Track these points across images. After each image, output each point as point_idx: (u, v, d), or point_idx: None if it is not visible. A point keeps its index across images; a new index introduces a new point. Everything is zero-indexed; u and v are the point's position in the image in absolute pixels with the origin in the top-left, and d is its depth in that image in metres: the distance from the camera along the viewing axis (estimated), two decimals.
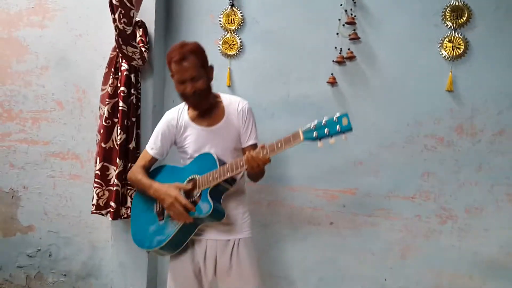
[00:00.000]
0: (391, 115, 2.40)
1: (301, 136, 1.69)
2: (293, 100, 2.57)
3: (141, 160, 2.16)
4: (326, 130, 1.63)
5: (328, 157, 2.50)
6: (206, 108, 2.05)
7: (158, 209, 2.05)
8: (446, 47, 2.26)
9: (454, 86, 2.27)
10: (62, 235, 3.11)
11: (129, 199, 2.62)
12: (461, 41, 2.23)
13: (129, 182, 2.59)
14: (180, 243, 2.01)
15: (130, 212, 2.62)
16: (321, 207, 2.56)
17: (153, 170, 2.16)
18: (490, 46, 2.21)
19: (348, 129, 1.60)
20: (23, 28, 3.11)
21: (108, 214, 2.62)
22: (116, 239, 2.83)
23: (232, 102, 2.10)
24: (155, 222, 2.05)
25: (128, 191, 2.62)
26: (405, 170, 2.39)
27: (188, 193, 1.97)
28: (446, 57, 2.27)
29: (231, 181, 1.96)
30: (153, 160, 2.15)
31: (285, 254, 2.65)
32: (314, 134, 1.66)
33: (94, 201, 2.62)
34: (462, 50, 2.23)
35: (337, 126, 1.61)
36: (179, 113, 2.13)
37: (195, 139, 2.06)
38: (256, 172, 1.86)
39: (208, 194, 1.89)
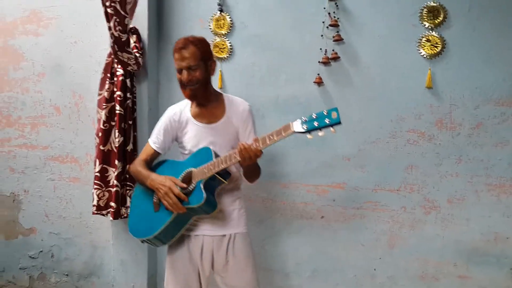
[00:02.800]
0: (375, 112, 2.50)
1: (292, 128, 1.73)
2: (283, 101, 2.66)
3: (143, 154, 2.20)
4: (315, 123, 1.68)
5: (317, 154, 2.61)
6: (203, 102, 2.08)
7: (155, 200, 2.06)
8: (424, 46, 2.36)
9: (433, 83, 2.38)
10: (64, 236, 3.20)
11: (128, 199, 2.71)
12: (438, 40, 2.34)
13: (128, 178, 2.69)
14: (173, 234, 2.05)
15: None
16: (312, 202, 2.66)
17: (155, 164, 2.20)
18: (465, 44, 2.32)
19: (336, 122, 1.65)
20: (18, 36, 3.18)
21: (109, 214, 2.70)
22: (116, 238, 2.92)
23: (233, 102, 2.12)
24: (151, 212, 2.07)
25: (128, 191, 2.70)
26: (390, 164, 2.50)
27: (185, 187, 1.99)
28: (425, 56, 2.37)
29: (226, 175, 1.98)
30: (155, 154, 2.18)
31: (280, 248, 2.75)
32: (304, 126, 1.70)
33: (95, 202, 2.70)
34: (439, 48, 2.34)
35: (326, 119, 1.66)
36: (182, 108, 2.17)
37: (194, 135, 2.10)
38: (249, 165, 1.88)
39: (201, 186, 1.91)
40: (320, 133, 1.69)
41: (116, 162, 2.64)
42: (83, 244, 3.16)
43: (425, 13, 2.35)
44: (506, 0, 2.26)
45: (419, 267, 2.50)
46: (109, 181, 2.71)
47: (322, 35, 2.53)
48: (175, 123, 2.15)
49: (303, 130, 1.71)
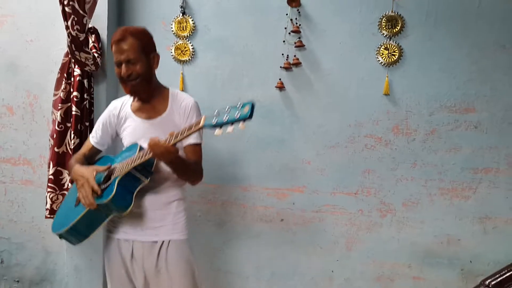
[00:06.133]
0: (334, 117, 2.55)
1: (201, 122, 1.58)
2: None
3: (83, 148, 2.12)
4: (225, 117, 1.50)
5: (278, 157, 2.63)
6: (144, 97, 1.97)
7: (78, 194, 1.90)
8: (382, 54, 2.43)
9: (390, 90, 2.44)
10: (14, 241, 3.08)
11: None
12: (396, 48, 2.41)
13: None
14: (86, 232, 1.91)
15: None
16: (272, 205, 2.67)
17: (96, 160, 2.11)
18: (422, 52, 2.41)
19: (246, 116, 1.46)
20: None
21: None
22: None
23: (177, 98, 2.00)
24: (71, 207, 1.96)
25: None
26: (348, 168, 2.55)
27: (106, 181, 1.86)
28: (383, 63, 2.44)
29: (146, 172, 1.86)
30: (94, 149, 2.09)
31: (239, 251, 2.75)
32: (213, 121, 1.53)
33: (48, 206, 2.61)
34: (396, 56, 2.41)
35: (237, 113, 1.48)
36: (123, 103, 2.07)
37: (132, 131, 1.99)
38: (171, 162, 1.77)
39: (116, 182, 1.77)
40: (229, 129, 1.50)
41: None
42: (35, 249, 3.05)
43: (384, 22, 2.42)
44: (462, 11, 2.35)
45: (375, 269, 2.56)
46: (63, 184, 2.63)
47: (284, 41, 2.56)
48: (114, 118, 2.06)
49: (211, 125, 1.53)
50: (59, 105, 2.59)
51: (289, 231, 2.67)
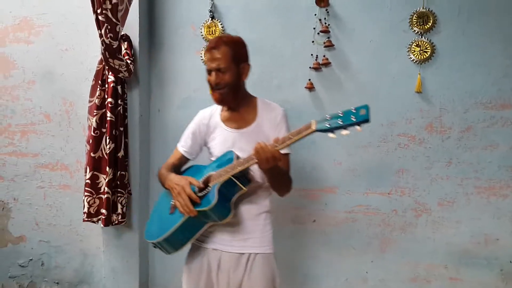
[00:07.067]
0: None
1: (313, 126, 1.55)
2: None
3: (172, 157, 2.09)
4: (339, 121, 1.49)
5: (309, 158, 2.62)
6: (232, 106, 1.96)
7: (172, 202, 1.91)
8: (414, 51, 2.40)
9: (422, 87, 2.40)
10: (54, 244, 3.17)
11: (119, 206, 2.70)
12: (428, 45, 2.37)
13: (119, 185, 2.69)
14: (184, 240, 1.89)
15: (120, 219, 2.72)
16: (304, 206, 2.66)
17: (184, 169, 2.10)
18: (454, 49, 2.36)
19: (364, 119, 1.45)
20: (9, 44, 3.18)
21: (100, 221, 2.69)
22: (107, 246, 2.91)
23: (266, 107, 1.97)
24: (165, 214, 1.94)
25: (119, 198, 2.70)
26: (381, 168, 2.52)
27: (202, 189, 1.85)
28: (415, 61, 2.41)
29: (245, 181, 1.82)
30: (183, 158, 2.07)
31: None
32: (327, 124, 1.52)
33: (85, 209, 2.68)
34: (429, 53, 2.37)
35: (352, 116, 1.46)
36: (211, 112, 2.04)
37: (222, 140, 1.96)
38: (270, 170, 1.71)
39: (216, 189, 1.75)
40: (344, 132, 1.51)
41: (107, 168, 2.64)
42: (73, 252, 3.14)
43: (415, 19, 2.39)
44: (494, 5, 2.30)
45: (410, 270, 2.52)
46: (100, 188, 2.70)
47: (313, 41, 2.55)
48: (204, 127, 2.04)
49: (325, 128, 1.52)
50: (94, 111, 2.66)
51: (321, 233, 2.65)
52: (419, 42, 2.39)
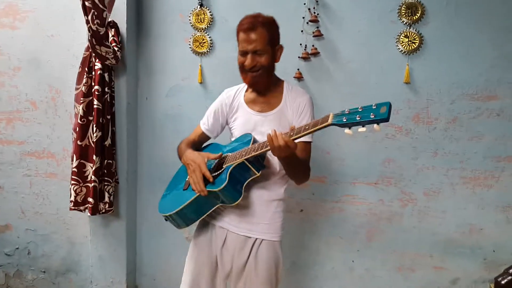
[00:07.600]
0: (354, 106, 2.52)
1: (330, 120, 1.48)
2: None
3: (193, 134, 2.09)
4: (358, 116, 1.41)
5: None
6: (262, 89, 1.92)
7: (188, 179, 1.89)
8: (402, 42, 2.40)
9: (410, 78, 2.41)
10: (40, 233, 3.15)
11: (106, 195, 2.69)
12: (416, 36, 2.38)
13: (106, 173, 2.69)
14: (193, 217, 1.89)
15: (107, 207, 2.71)
16: (292, 196, 2.67)
17: (203, 147, 2.11)
18: (442, 40, 2.37)
19: (383, 117, 1.35)
20: None
21: (87, 210, 2.68)
22: (94, 234, 2.90)
23: (292, 92, 1.92)
24: (179, 190, 1.95)
25: (106, 186, 2.69)
26: (368, 158, 2.54)
27: (217, 169, 1.84)
28: (403, 52, 2.41)
29: (259, 165, 1.80)
30: (204, 135, 2.06)
31: None
32: (344, 118, 1.44)
33: (72, 198, 2.66)
34: (417, 44, 2.38)
35: (372, 114, 1.37)
36: (236, 92, 2.01)
37: (243, 122, 1.94)
38: (286, 158, 1.67)
39: (228, 171, 1.74)
40: (361, 129, 1.40)
41: (94, 157, 2.62)
42: (60, 241, 3.12)
43: (404, 10, 2.39)
44: None
45: (396, 260, 2.56)
46: (86, 177, 2.68)
47: (302, 31, 2.54)
48: (226, 107, 2.01)
49: (341, 123, 1.44)
50: (81, 99, 2.63)
51: (309, 222, 2.67)
52: (408, 33, 2.39)
